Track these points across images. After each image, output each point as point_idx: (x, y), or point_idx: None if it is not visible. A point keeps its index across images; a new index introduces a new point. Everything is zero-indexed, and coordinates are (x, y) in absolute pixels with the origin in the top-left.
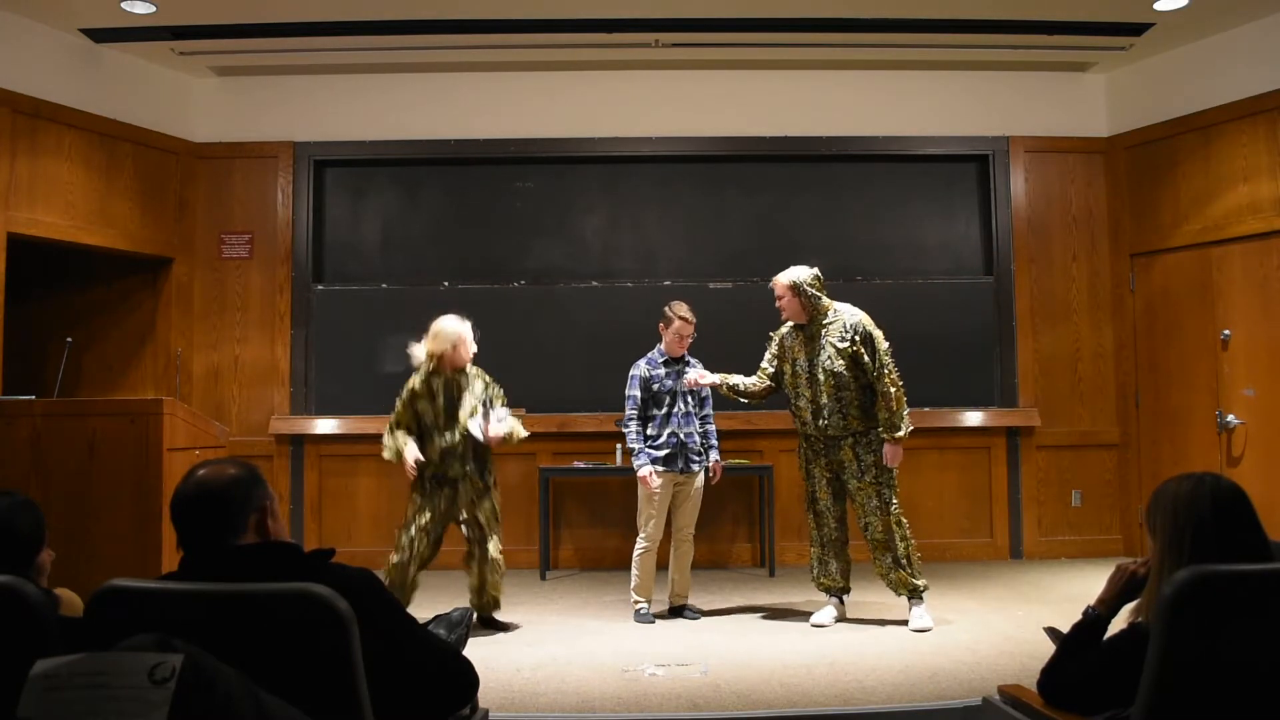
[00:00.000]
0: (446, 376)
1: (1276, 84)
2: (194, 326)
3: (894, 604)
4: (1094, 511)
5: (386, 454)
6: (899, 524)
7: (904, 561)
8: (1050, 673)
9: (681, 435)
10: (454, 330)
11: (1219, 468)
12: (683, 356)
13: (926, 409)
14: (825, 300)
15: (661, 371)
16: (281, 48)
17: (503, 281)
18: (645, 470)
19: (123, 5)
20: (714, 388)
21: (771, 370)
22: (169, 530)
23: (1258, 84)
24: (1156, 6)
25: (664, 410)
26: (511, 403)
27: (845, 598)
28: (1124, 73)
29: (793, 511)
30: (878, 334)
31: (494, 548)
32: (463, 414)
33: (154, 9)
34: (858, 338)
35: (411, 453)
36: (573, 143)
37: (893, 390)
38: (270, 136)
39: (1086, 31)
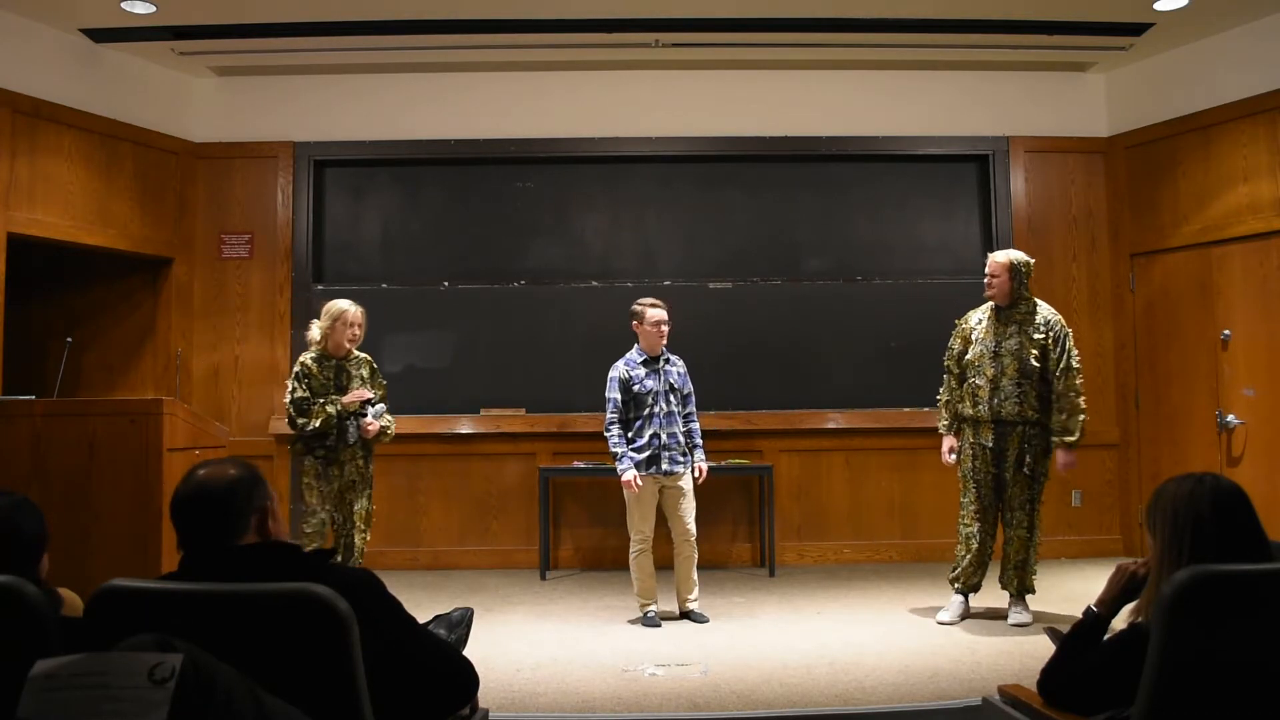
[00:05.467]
0: (336, 361)
1: (1276, 84)
2: (194, 326)
3: (897, 603)
4: (1094, 511)
5: (315, 425)
6: (1037, 525)
7: (1031, 560)
8: (1050, 673)
9: (664, 436)
10: (336, 309)
11: (1219, 468)
12: (662, 354)
13: (927, 409)
14: (1029, 291)
15: (641, 371)
16: (281, 48)
17: (503, 281)
18: (629, 475)
19: (123, 5)
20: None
21: (957, 371)
22: (169, 530)
23: (1258, 84)
24: (1156, 6)
25: (645, 411)
26: (512, 403)
27: (972, 595)
28: (1124, 73)
29: (792, 511)
30: (1072, 339)
31: (360, 541)
32: (346, 399)
33: (154, 9)
34: (1052, 334)
35: (352, 396)
36: (573, 143)
37: (1072, 394)
38: (270, 136)
39: (1086, 31)
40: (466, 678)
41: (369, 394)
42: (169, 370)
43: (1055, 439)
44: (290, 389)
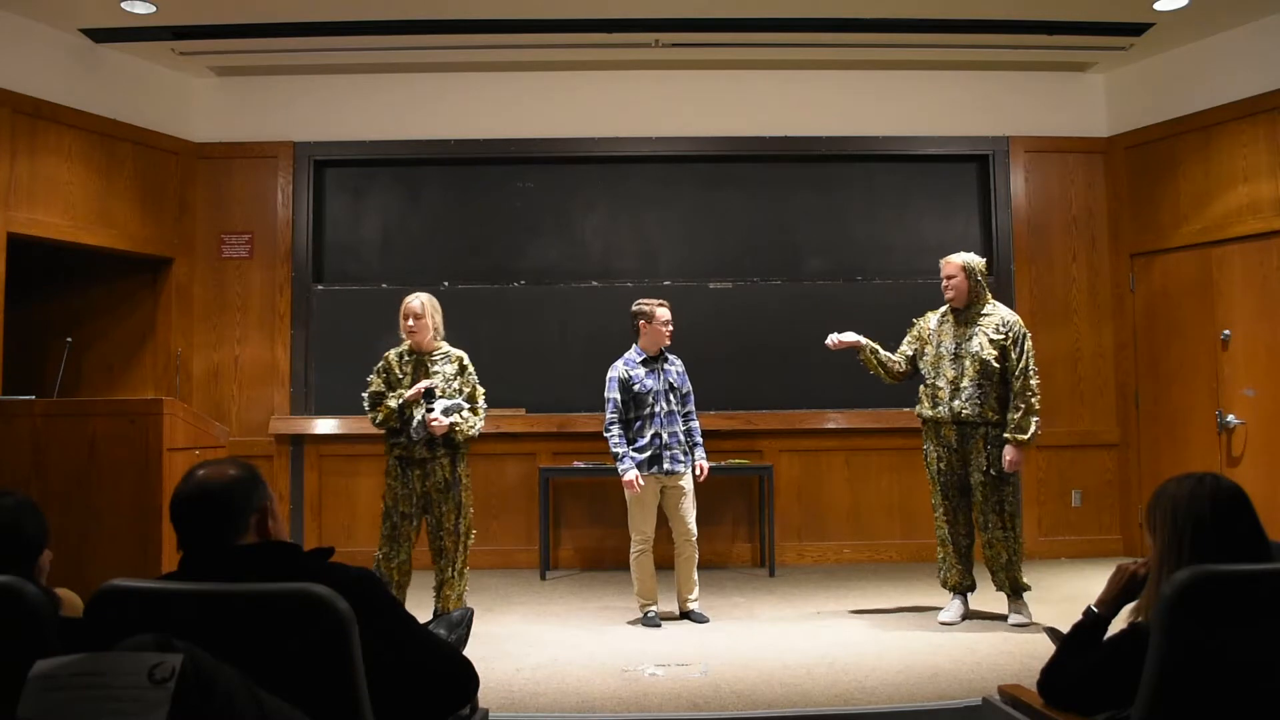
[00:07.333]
0: (417, 355)
1: (1276, 84)
2: (194, 326)
3: (897, 600)
4: (1094, 511)
5: (378, 419)
6: (1014, 524)
7: (1015, 560)
8: (1050, 673)
9: (665, 435)
10: (408, 305)
11: (1219, 468)
12: (661, 353)
13: None
14: (986, 292)
15: (640, 371)
16: (281, 48)
17: (502, 281)
18: (631, 475)
19: (123, 5)
20: (856, 348)
21: (910, 353)
22: (169, 530)
23: (1258, 84)
24: (1156, 6)
25: (646, 410)
26: (512, 403)
27: (970, 595)
28: (1124, 73)
29: (792, 511)
30: (1030, 340)
31: (451, 545)
32: (409, 393)
33: (154, 9)
34: (1011, 335)
35: (413, 390)
36: (573, 143)
37: (1029, 394)
38: (270, 136)
39: (1086, 31)
40: (466, 677)
41: (427, 383)
42: (169, 370)
43: (1007, 435)
44: (369, 381)
